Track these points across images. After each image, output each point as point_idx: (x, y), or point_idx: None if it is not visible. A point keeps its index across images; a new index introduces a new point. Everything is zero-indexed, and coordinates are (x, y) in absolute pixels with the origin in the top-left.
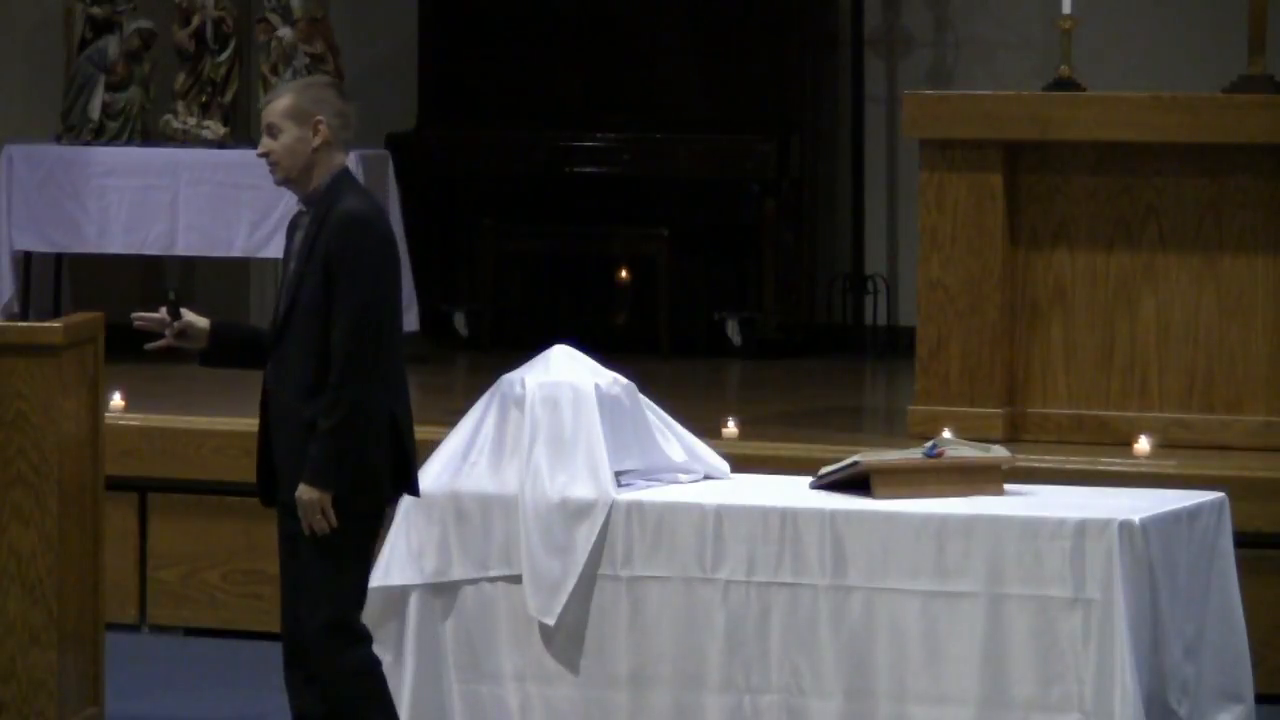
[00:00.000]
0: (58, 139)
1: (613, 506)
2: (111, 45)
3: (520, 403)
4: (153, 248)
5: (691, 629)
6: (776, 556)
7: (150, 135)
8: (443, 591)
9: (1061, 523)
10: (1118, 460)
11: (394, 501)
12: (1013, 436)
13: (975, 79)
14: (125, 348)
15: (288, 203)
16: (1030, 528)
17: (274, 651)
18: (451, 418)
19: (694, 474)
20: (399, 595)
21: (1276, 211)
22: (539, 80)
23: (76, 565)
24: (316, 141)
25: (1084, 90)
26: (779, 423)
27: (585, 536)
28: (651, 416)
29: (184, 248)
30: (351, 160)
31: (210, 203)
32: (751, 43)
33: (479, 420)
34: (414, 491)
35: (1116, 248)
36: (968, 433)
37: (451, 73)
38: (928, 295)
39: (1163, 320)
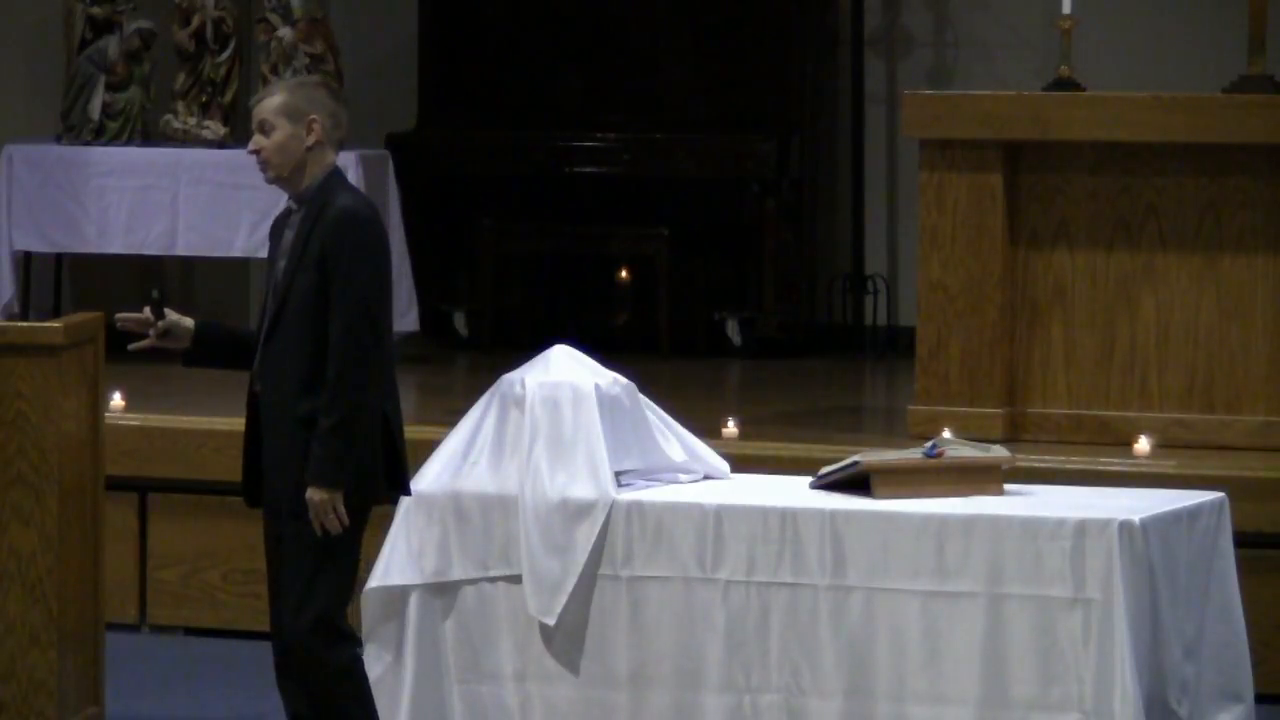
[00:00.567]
0: (58, 139)
1: (613, 506)
2: (111, 45)
3: (520, 403)
4: (153, 248)
5: (691, 629)
6: (776, 556)
7: (150, 135)
8: (443, 591)
9: (1061, 523)
10: (1118, 460)
11: (385, 501)
12: (1013, 436)
13: (975, 79)
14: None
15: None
16: (1030, 528)
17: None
18: (451, 418)
19: (694, 474)
20: (399, 595)
21: (1276, 211)
22: (539, 80)
23: (76, 565)
24: (310, 140)
25: (1084, 90)
26: (779, 423)
27: (585, 536)
28: (651, 416)
29: (184, 248)
30: (351, 160)
31: (210, 203)
32: (751, 43)
33: (479, 420)
34: (406, 491)
35: (1116, 248)
36: (968, 433)
37: (451, 73)
38: (928, 295)
39: (1163, 320)
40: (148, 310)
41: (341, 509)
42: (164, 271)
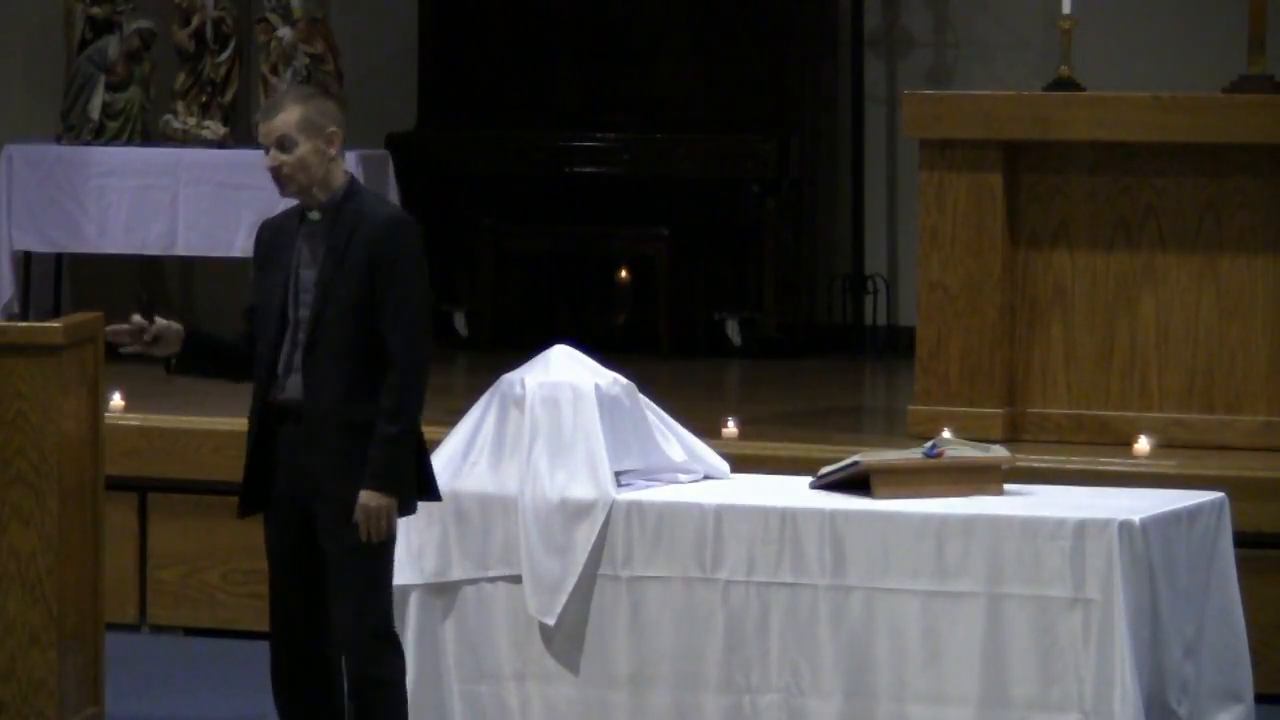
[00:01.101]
0: (58, 139)
1: (613, 506)
2: (111, 45)
3: (520, 403)
4: (153, 248)
5: (691, 629)
6: (776, 556)
7: (150, 135)
8: (443, 591)
9: (1061, 523)
10: (1118, 460)
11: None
12: (1013, 436)
13: (975, 79)
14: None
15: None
16: (1030, 528)
17: None
18: (451, 418)
19: (694, 474)
20: (399, 595)
21: (1276, 211)
22: (539, 80)
23: (76, 565)
24: (332, 152)
25: (1084, 90)
26: (779, 423)
27: (585, 536)
28: (651, 416)
29: (184, 248)
30: (351, 160)
31: (210, 203)
32: (751, 43)
33: (479, 420)
34: (437, 496)
35: (1116, 248)
36: (968, 433)
37: (451, 73)
38: (928, 295)
39: (1163, 320)
40: (137, 316)
41: (395, 517)
42: (164, 271)
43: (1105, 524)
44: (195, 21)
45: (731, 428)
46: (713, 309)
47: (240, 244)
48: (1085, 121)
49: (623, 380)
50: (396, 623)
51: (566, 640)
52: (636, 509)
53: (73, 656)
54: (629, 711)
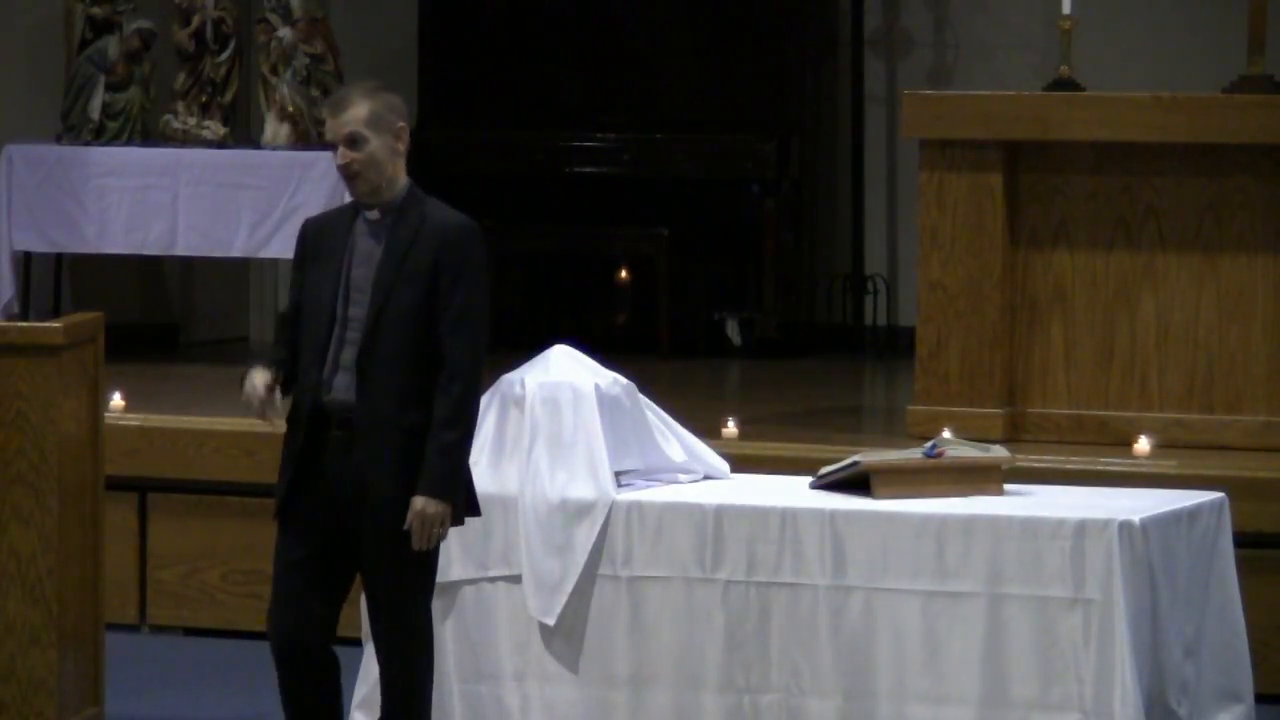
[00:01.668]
0: (58, 139)
1: (613, 506)
2: (111, 45)
3: (520, 403)
4: (153, 248)
5: (691, 629)
6: (776, 556)
7: (150, 135)
8: (443, 591)
9: (1061, 523)
10: (1118, 460)
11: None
12: (1013, 436)
13: (975, 79)
14: (125, 348)
15: (288, 203)
16: (1030, 528)
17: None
18: None
19: (694, 474)
20: None
21: (1276, 211)
22: (539, 80)
23: (76, 565)
24: (401, 149)
25: (1084, 90)
26: (779, 423)
27: (585, 536)
28: (651, 416)
29: (184, 248)
30: None
31: (210, 203)
32: (751, 43)
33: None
34: (477, 511)
35: (1116, 248)
36: (968, 433)
37: (451, 73)
38: (928, 295)
39: (1163, 320)
40: (271, 395)
41: (449, 523)
42: (164, 271)
43: (1105, 524)
44: (195, 21)
45: (731, 428)
46: (713, 309)
47: (240, 244)
48: (1085, 121)
49: (623, 380)
50: None
51: (566, 640)
52: (636, 509)
53: (73, 656)
54: (629, 711)
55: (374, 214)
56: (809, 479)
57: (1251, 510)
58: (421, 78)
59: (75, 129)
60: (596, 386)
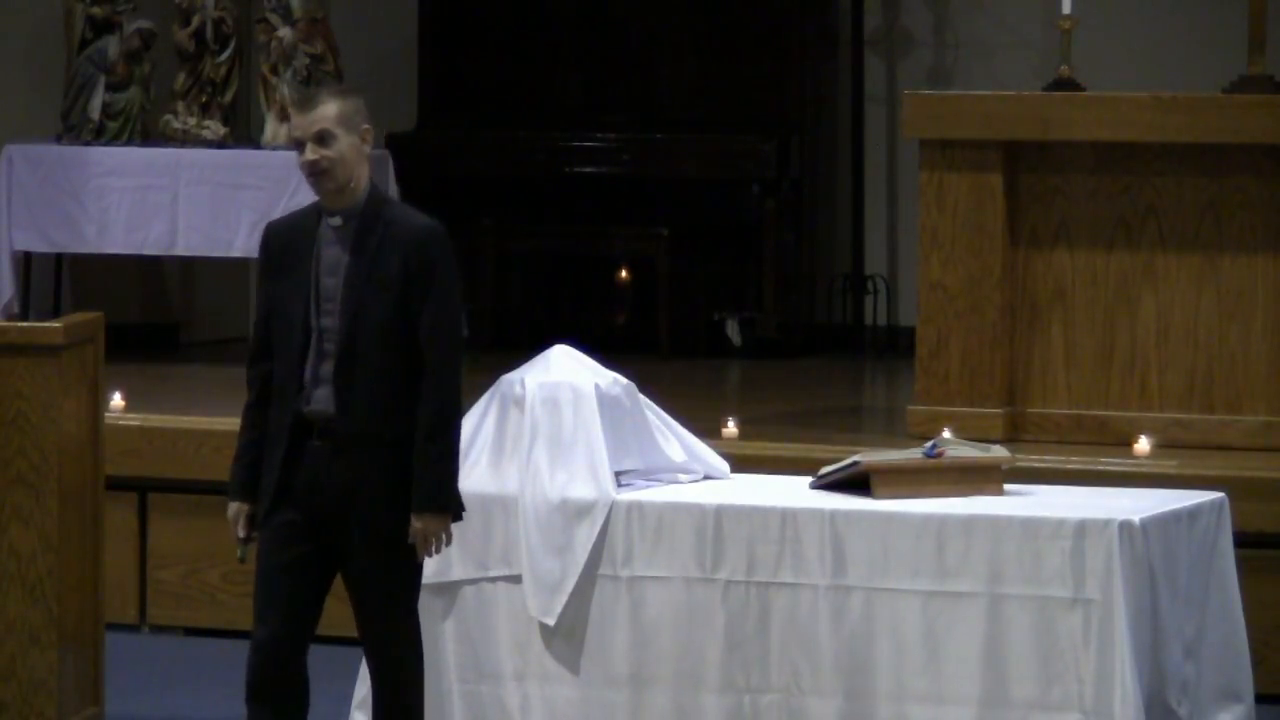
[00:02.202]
0: (58, 139)
1: (613, 506)
2: (111, 45)
3: (520, 403)
4: (153, 248)
5: (691, 629)
6: (776, 556)
7: (150, 135)
8: (443, 591)
9: (1061, 523)
10: (1118, 460)
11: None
12: (1013, 436)
13: (975, 79)
14: (125, 348)
15: (288, 203)
16: (1030, 528)
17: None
18: None
19: (694, 474)
20: None
21: (1276, 211)
22: (539, 80)
23: (76, 565)
24: (367, 150)
25: (1084, 90)
26: (779, 423)
27: (585, 536)
28: (651, 416)
29: (184, 248)
30: None
31: (210, 203)
32: (751, 43)
33: (479, 420)
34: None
35: (1116, 248)
36: (968, 433)
37: (451, 73)
38: (928, 295)
39: (1163, 320)
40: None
41: (450, 533)
42: (164, 271)
43: (1105, 524)
44: (195, 21)
45: (731, 428)
46: (713, 309)
47: (240, 244)
48: (1085, 121)
49: (623, 380)
50: None
51: (566, 640)
52: (636, 509)
53: (73, 656)
54: (629, 711)
55: (336, 220)
56: (809, 479)
57: (1251, 510)
58: (421, 78)
59: (75, 129)
60: (596, 386)
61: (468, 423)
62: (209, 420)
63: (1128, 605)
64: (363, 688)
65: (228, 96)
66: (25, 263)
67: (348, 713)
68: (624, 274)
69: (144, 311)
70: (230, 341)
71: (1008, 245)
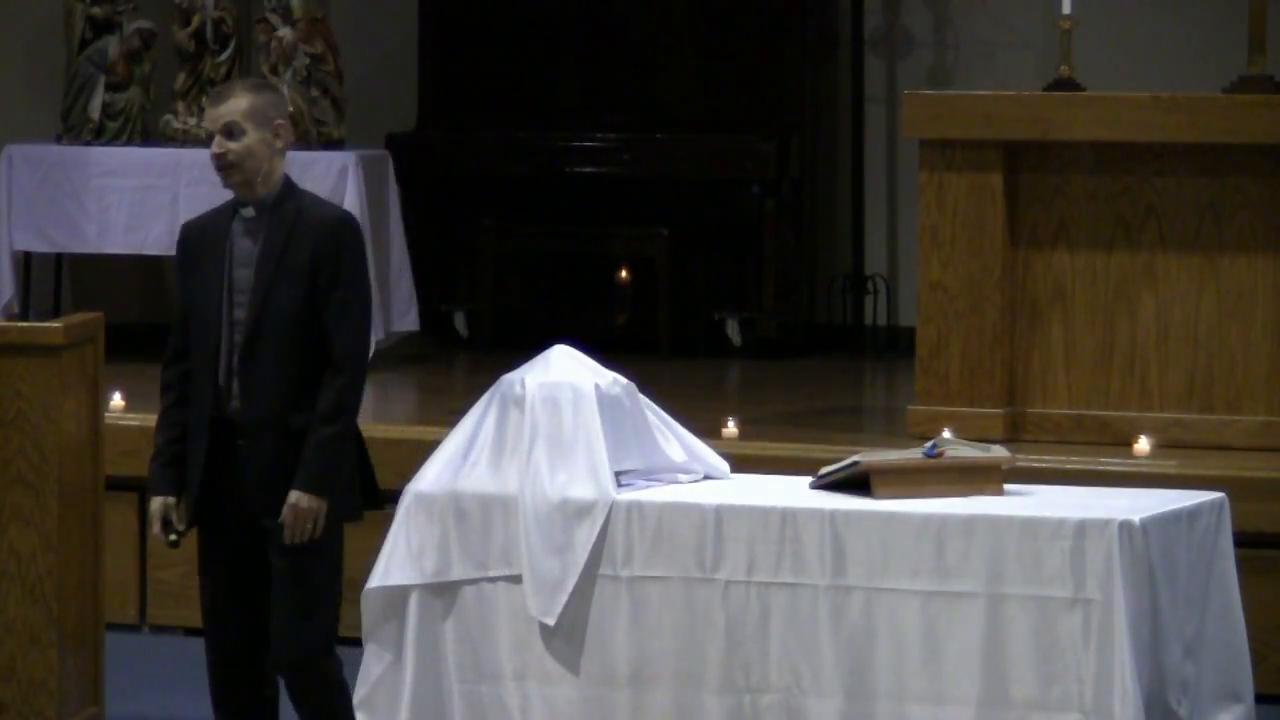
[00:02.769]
0: (58, 139)
1: (613, 506)
2: (111, 45)
3: (520, 403)
4: (153, 248)
5: (691, 629)
6: (776, 556)
7: (150, 135)
8: (443, 591)
9: (1061, 523)
10: (1118, 460)
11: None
12: (1013, 436)
13: (975, 79)
14: (125, 348)
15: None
16: (1030, 528)
17: None
18: (451, 418)
19: (694, 474)
20: (399, 595)
21: (1276, 211)
22: (539, 80)
23: (76, 565)
24: (279, 145)
25: (1084, 90)
26: (779, 423)
27: (585, 536)
28: (651, 416)
29: None
30: (351, 160)
31: (210, 203)
32: (751, 43)
33: (479, 420)
34: (379, 505)
35: (1116, 248)
36: (968, 433)
37: (451, 73)
38: (928, 295)
39: (1163, 320)
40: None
41: (322, 520)
42: (164, 271)
43: (1105, 524)
44: (195, 21)
45: (731, 428)
46: (713, 309)
47: None
48: (1085, 121)
49: (623, 380)
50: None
51: (566, 640)
52: (636, 509)
53: (73, 656)
54: (629, 711)
55: (249, 211)
56: (809, 479)
57: (1251, 510)
58: (421, 78)
59: (75, 129)
60: (596, 386)
61: (467, 423)
62: None
63: (1128, 605)
64: (363, 687)
65: None
66: (25, 263)
67: None
68: (624, 274)
69: (144, 311)
70: None
71: (1008, 245)
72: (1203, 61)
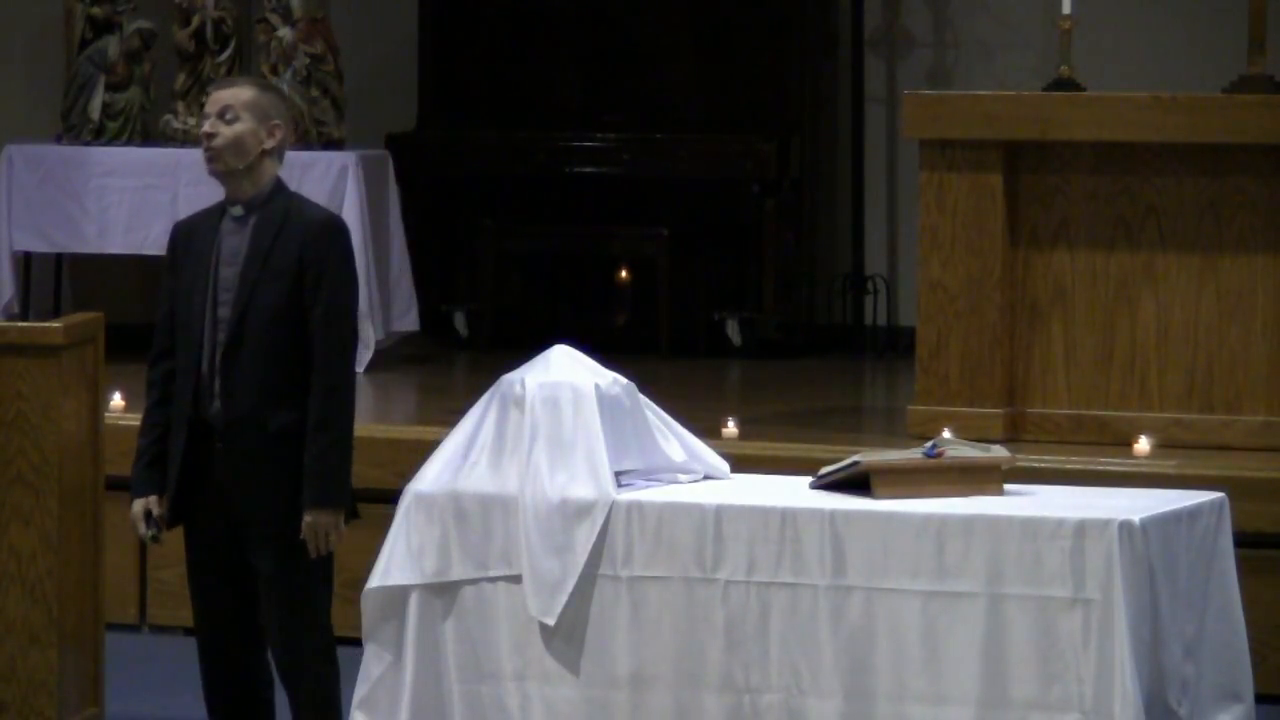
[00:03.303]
0: (58, 139)
1: (613, 506)
2: (111, 45)
3: (520, 403)
4: (153, 248)
5: (691, 629)
6: (776, 556)
7: (150, 135)
8: (443, 591)
9: (1061, 523)
10: (1118, 460)
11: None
12: (1013, 436)
13: (975, 79)
14: (125, 348)
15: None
16: (1030, 528)
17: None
18: (451, 418)
19: (694, 474)
20: (399, 595)
21: (1276, 211)
22: (539, 80)
23: (76, 565)
24: (269, 144)
25: (1084, 90)
26: (779, 423)
27: (585, 536)
28: (651, 416)
29: None
30: (351, 160)
31: (210, 203)
32: (751, 43)
33: (479, 420)
34: (356, 514)
35: (1116, 248)
36: (968, 433)
37: (451, 73)
38: (928, 295)
39: (1163, 320)
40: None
41: (343, 528)
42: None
43: (1105, 524)
44: (195, 21)
45: (731, 428)
46: (713, 309)
47: None
48: (1085, 121)
49: (623, 380)
50: (396, 623)
51: (566, 640)
52: (636, 509)
53: (73, 656)
54: (629, 711)
55: (238, 210)
56: (809, 479)
57: (1251, 510)
58: (421, 78)
59: (75, 129)
60: (596, 386)
61: (467, 423)
62: None
63: (1128, 605)
64: (363, 687)
65: None
66: (25, 263)
67: (347, 712)
68: (624, 274)
69: (144, 311)
70: None
71: (1008, 245)
72: (1203, 61)
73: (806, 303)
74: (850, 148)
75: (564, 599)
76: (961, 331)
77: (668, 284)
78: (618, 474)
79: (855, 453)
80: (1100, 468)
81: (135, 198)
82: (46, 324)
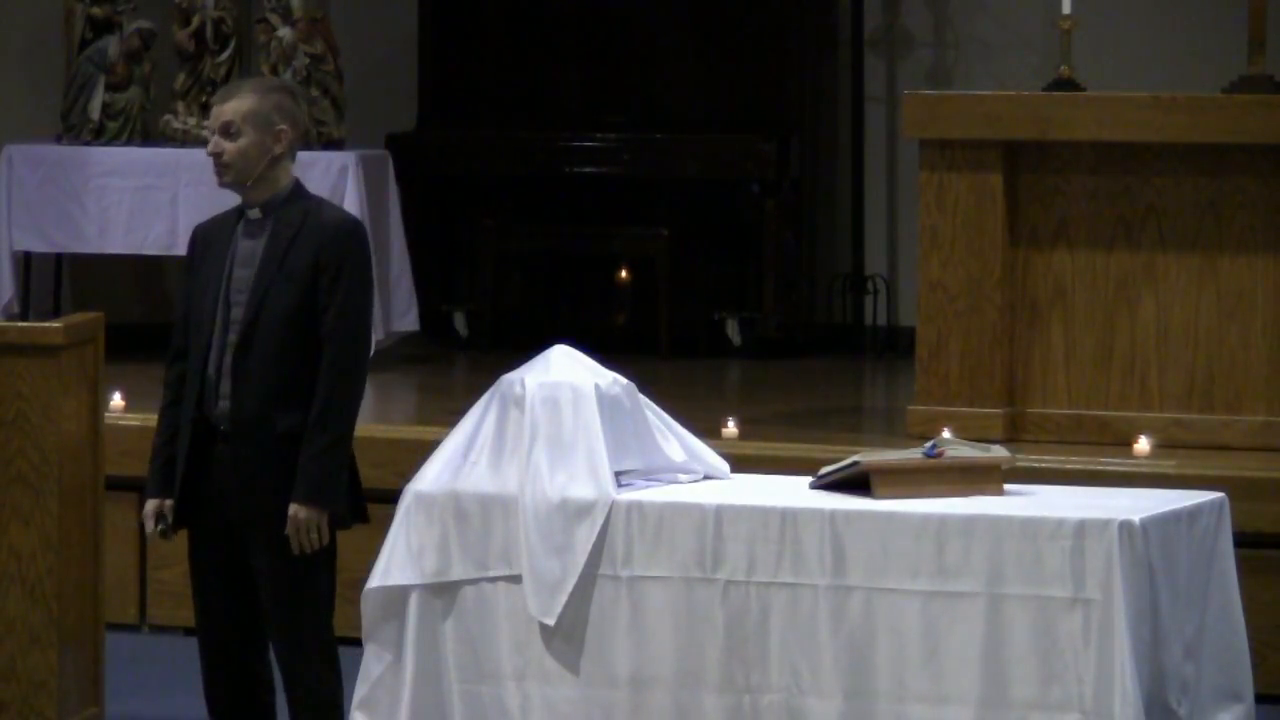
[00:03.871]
0: (58, 139)
1: (613, 506)
2: (111, 45)
3: (520, 403)
4: (153, 248)
5: (691, 629)
6: (776, 556)
7: (150, 135)
8: (443, 591)
9: (1061, 523)
10: (1118, 460)
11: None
12: (1013, 436)
13: (975, 79)
14: (125, 348)
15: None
16: (1030, 528)
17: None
18: (451, 418)
19: (694, 474)
20: (399, 595)
21: (1276, 211)
22: (539, 80)
23: (76, 565)
24: (277, 150)
25: (1084, 90)
26: (779, 423)
27: (585, 536)
28: (651, 416)
29: (184, 248)
30: (351, 160)
31: (210, 203)
32: (751, 43)
33: (479, 420)
34: (365, 518)
35: (1116, 248)
36: (968, 433)
37: (451, 73)
38: (928, 295)
39: (1163, 320)
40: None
41: (325, 530)
42: (164, 271)
43: (1105, 524)
44: (195, 21)
45: (731, 428)
46: (713, 309)
47: None
48: (1085, 121)
49: (623, 380)
50: (396, 623)
51: (566, 640)
52: (636, 509)
53: (73, 656)
54: (629, 711)
55: (255, 213)
56: (809, 479)
57: (1251, 510)
58: (421, 78)
59: (75, 129)
60: (596, 386)
61: (467, 423)
62: None
63: (1128, 605)
64: (363, 687)
65: None
66: (25, 263)
67: (348, 712)
68: (624, 274)
69: (144, 311)
70: None
71: (1008, 245)
72: (1203, 61)
73: (806, 303)
74: (850, 148)
75: (564, 599)
76: (961, 331)
77: (668, 284)
78: (618, 474)
79: (855, 453)
80: (1100, 468)
81: (135, 198)
82: (46, 324)
